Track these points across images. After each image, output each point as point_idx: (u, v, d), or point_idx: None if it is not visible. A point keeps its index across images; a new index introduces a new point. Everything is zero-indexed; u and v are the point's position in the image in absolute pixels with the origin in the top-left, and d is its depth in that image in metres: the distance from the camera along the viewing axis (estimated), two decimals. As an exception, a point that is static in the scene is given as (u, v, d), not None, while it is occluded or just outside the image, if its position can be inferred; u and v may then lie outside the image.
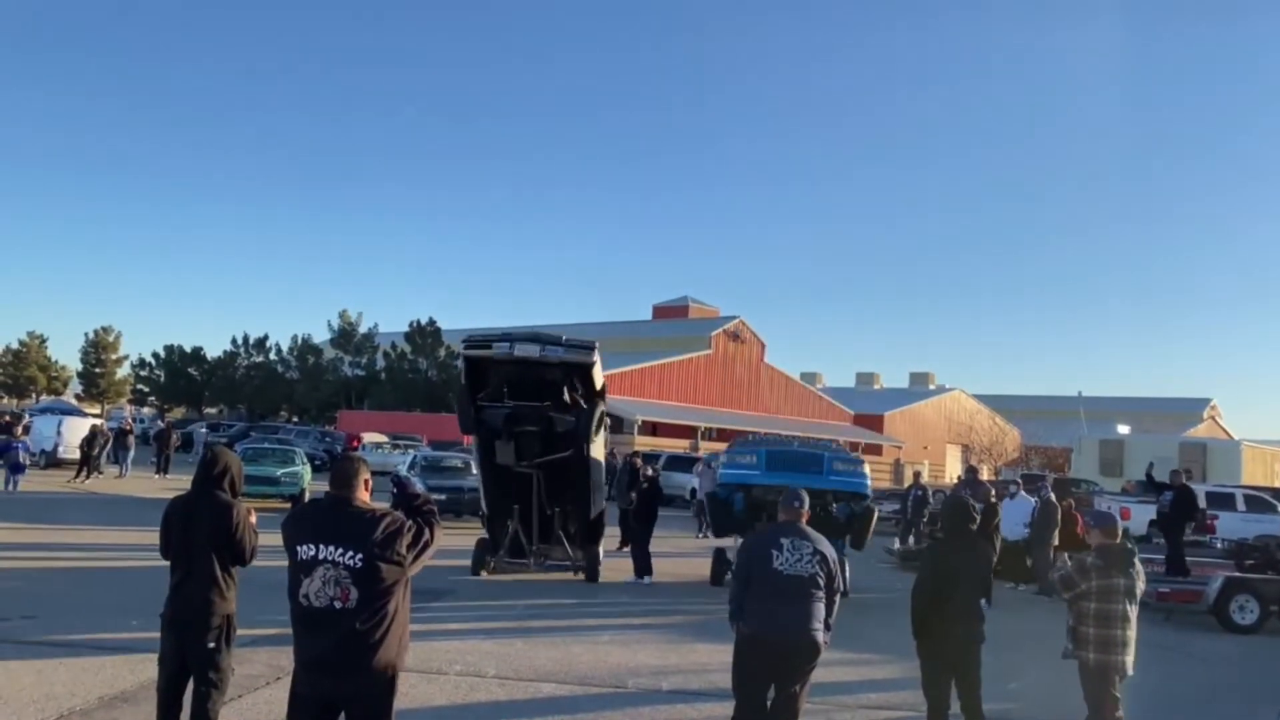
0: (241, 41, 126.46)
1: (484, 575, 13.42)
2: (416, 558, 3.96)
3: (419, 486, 17.47)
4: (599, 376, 13.12)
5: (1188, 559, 15.65)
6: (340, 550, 3.81)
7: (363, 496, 4.04)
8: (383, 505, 4.15)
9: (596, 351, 12.74)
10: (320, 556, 3.82)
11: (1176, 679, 9.67)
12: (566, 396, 13.15)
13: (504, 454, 13.00)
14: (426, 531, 4.01)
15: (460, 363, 13.74)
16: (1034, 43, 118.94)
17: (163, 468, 28.61)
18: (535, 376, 12.92)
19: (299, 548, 3.88)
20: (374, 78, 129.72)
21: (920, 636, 6.27)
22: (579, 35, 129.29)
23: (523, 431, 13.11)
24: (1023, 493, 17.03)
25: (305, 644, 3.89)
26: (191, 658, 4.91)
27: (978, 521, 6.46)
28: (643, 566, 13.95)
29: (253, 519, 5.13)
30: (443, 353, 53.41)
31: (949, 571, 6.19)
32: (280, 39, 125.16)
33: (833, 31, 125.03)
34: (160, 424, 32.82)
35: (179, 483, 24.71)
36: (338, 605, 3.78)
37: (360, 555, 3.81)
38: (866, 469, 13.43)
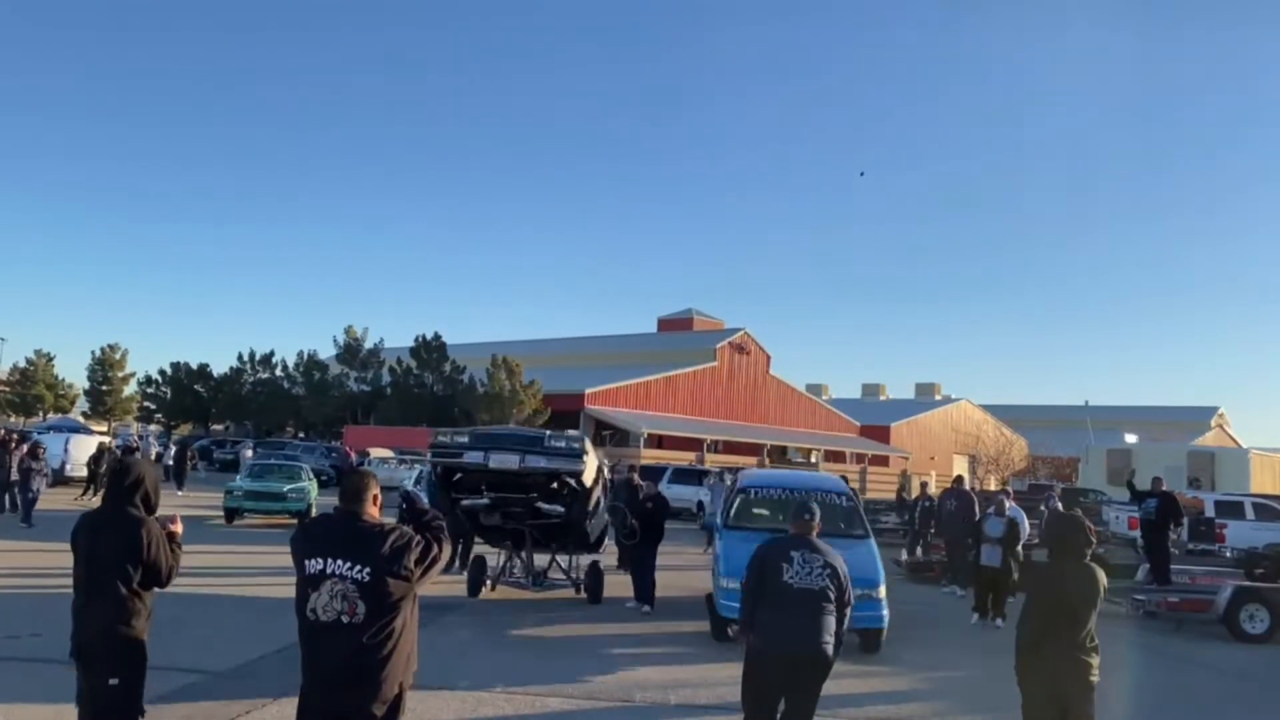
0: (246, 56, 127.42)
1: (482, 596, 12.84)
2: (425, 572, 3.96)
3: (426, 501, 17.17)
4: (591, 474, 12.13)
5: (1194, 568, 15.54)
6: (348, 564, 3.82)
7: (371, 511, 4.04)
8: (391, 520, 4.16)
9: (587, 455, 11.70)
10: (328, 571, 3.82)
11: (1186, 689, 9.63)
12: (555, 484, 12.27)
13: (489, 519, 12.64)
14: (435, 546, 4.01)
15: (428, 463, 12.57)
16: (1039, 46, 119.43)
17: (180, 484, 28.65)
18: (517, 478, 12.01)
19: (307, 562, 3.89)
20: (377, 90, 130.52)
21: (1025, 672, 5.24)
22: (581, 43, 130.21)
23: (509, 512, 12.43)
24: (1012, 504, 16.77)
25: (312, 658, 3.89)
26: (91, 693, 4.44)
27: (1095, 541, 5.53)
28: (644, 593, 12.65)
29: (177, 529, 4.75)
30: (448, 367, 53.59)
31: (1065, 597, 5.19)
32: (284, 51, 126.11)
33: (838, 37, 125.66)
34: (173, 446, 32.98)
35: (193, 500, 24.76)
36: (345, 619, 3.78)
37: (368, 569, 3.81)
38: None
